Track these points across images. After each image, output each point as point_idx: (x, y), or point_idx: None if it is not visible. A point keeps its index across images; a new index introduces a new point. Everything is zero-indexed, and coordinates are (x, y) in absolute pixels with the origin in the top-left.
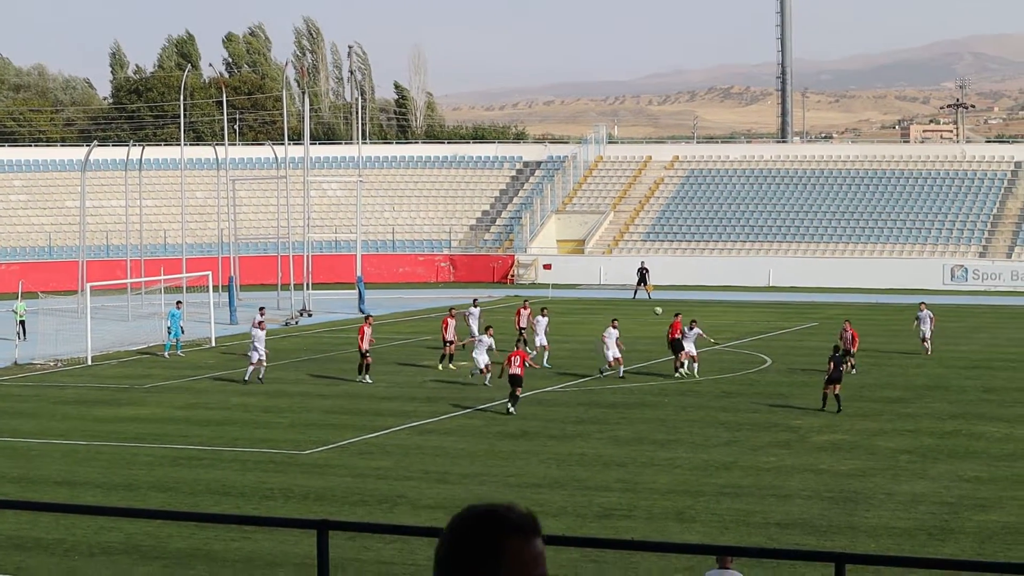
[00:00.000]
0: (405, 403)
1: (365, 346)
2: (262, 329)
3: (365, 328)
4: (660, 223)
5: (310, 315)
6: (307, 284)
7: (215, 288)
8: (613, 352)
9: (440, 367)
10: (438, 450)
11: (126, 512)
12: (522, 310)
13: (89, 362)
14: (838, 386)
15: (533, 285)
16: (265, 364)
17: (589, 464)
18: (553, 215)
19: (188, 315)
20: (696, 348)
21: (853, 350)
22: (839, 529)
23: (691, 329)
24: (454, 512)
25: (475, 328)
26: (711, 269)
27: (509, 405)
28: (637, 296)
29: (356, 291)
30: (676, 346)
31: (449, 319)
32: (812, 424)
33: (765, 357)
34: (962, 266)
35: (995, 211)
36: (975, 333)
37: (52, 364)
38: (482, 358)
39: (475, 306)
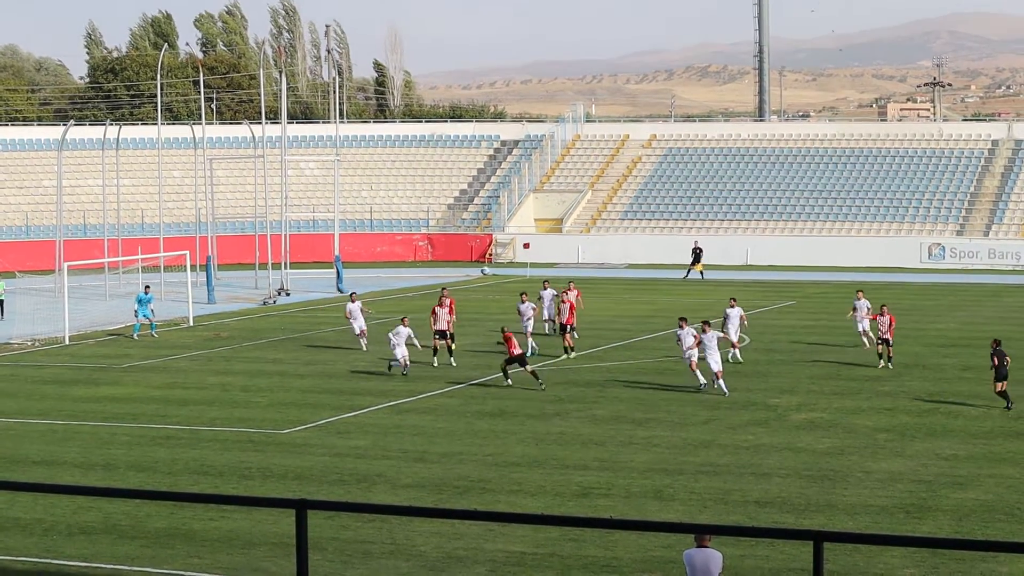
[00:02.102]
0: (383, 382)
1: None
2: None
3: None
4: (638, 202)
5: (288, 294)
6: (285, 263)
7: (193, 268)
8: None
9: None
10: (416, 429)
11: (105, 492)
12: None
13: (67, 342)
14: (1005, 383)
15: (511, 264)
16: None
17: (568, 443)
18: (531, 194)
19: (165, 294)
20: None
21: (890, 338)
22: (817, 507)
23: (732, 308)
24: (432, 491)
25: (547, 310)
26: (688, 247)
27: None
28: (689, 276)
29: (334, 270)
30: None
31: (438, 308)
32: (790, 403)
33: (744, 336)
34: (939, 244)
35: (972, 189)
36: (953, 311)
37: (29, 344)
38: (400, 351)
39: (545, 287)
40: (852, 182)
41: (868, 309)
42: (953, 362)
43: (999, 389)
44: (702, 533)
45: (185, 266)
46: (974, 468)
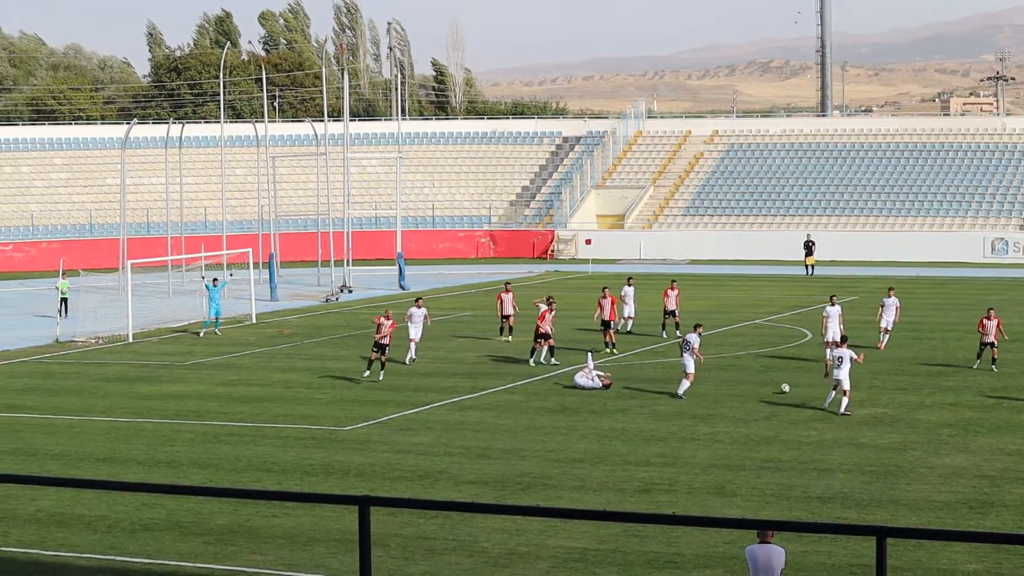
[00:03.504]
0: (445, 379)
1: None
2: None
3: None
4: (700, 198)
5: (350, 291)
6: (347, 260)
7: (255, 265)
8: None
9: (502, 338)
10: (478, 425)
11: (168, 489)
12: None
13: (130, 339)
14: None
15: (573, 260)
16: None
17: (629, 439)
18: (593, 190)
19: (229, 292)
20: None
21: (995, 341)
22: (880, 503)
23: (832, 306)
24: (495, 488)
25: (629, 306)
26: (751, 243)
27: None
28: (811, 271)
29: (396, 267)
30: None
31: (504, 294)
32: (853, 398)
33: (806, 331)
34: (1003, 239)
35: None
36: (1016, 306)
37: (93, 341)
38: (415, 330)
39: (629, 284)
40: (915, 177)
41: (897, 308)
42: (1017, 357)
43: None
44: (765, 529)
45: (248, 263)
46: None
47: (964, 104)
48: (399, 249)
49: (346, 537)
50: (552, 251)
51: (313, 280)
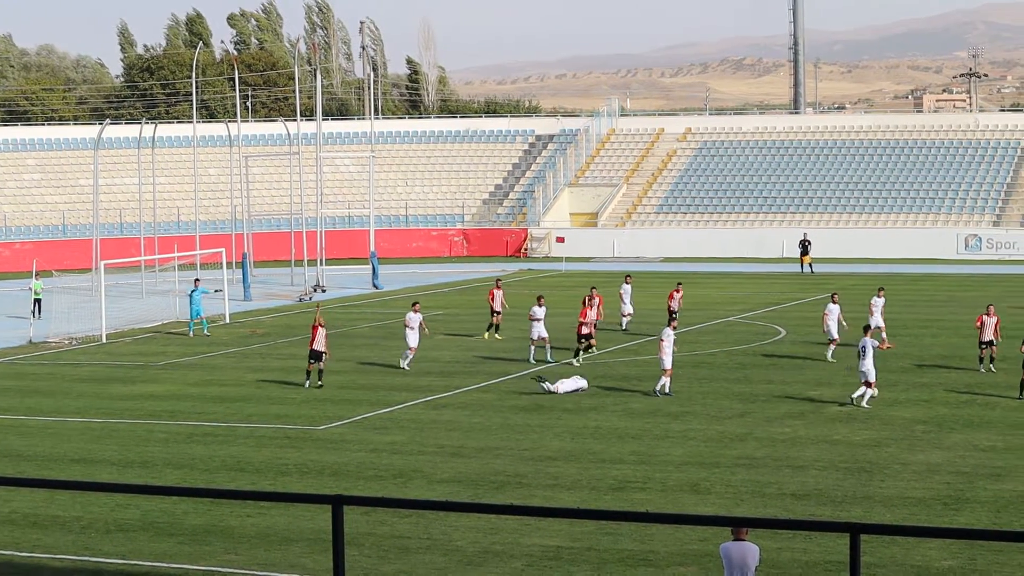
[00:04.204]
0: (419, 377)
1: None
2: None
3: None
4: (673, 195)
5: (324, 291)
6: (320, 260)
7: (229, 265)
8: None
9: (486, 336)
10: (452, 424)
11: (142, 489)
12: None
13: (103, 340)
14: None
15: (546, 259)
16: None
17: (603, 437)
18: (566, 188)
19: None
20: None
21: (995, 339)
22: (854, 499)
23: (833, 304)
24: (469, 486)
25: (627, 304)
26: (724, 241)
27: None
28: (808, 270)
29: (370, 266)
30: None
31: (495, 290)
32: (826, 395)
33: (779, 328)
34: (976, 235)
35: (1009, 180)
36: (991, 303)
37: (66, 342)
38: (413, 338)
39: (627, 282)
40: (888, 174)
41: (882, 309)
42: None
43: None
44: (739, 526)
45: (221, 263)
46: (1012, 459)
47: (937, 101)
48: (372, 248)
49: (320, 537)
50: (525, 249)
51: (286, 280)
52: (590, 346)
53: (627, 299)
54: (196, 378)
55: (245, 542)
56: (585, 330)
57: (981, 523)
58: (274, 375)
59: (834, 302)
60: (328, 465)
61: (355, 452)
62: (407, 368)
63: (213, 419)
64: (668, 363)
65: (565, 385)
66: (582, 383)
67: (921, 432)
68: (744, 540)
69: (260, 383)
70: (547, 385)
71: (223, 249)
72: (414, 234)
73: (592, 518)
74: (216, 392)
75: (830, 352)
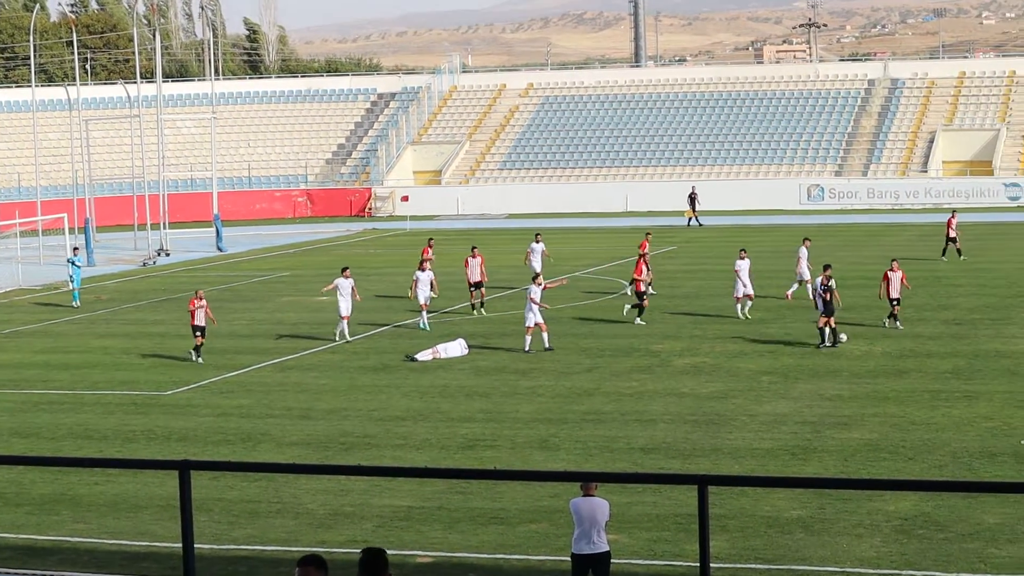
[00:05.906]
0: (266, 340)
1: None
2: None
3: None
4: (516, 151)
5: (167, 255)
6: (164, 224)
7: (71, 230)
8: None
9: (475, 313)
10: (300, 386)
11: None
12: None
13: None
14: (831, 319)
15: (391, 217)
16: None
17: (452, 395)
18: (409, 146)
19: (44, 258)
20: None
21: (900, 297)
22: (703, 452)
23: (742, 260)
24: (318, 449)
25: (536, 264)
26: (568, 196)
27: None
28: (692, 223)
29: (213, 229)
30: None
31: (471, 259)
32: (673, 348)
33: (624, 282)
34: (818, 185)
35: (850, 130)
36: (835, 252)
37: None
38: (344, 305)
39: (537, 241)
40: (730, 126)
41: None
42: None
43: (823, 324)
44: (588, 481)
45: (63, 229)
46: (858, 408)
47: (778, 52)
48: (216, 211)
49: (170, 504)
50: (370, 209)
51: (130, 244)
52: (641, 309)
53: (536, 258)
54: (40, 345)
55: (94, 510)
56: (640, 287)
57: (828, 472)
58: (119, 341)
59: (805, 246)
60: (176, 431)
61: (203, 417)
62: (347, 340)
63: (59, 387)
64: (538, 319)
65: (450, 350)
66: (465, 349)
67: (768, 383)
68: (594, 495)
69: (106, 349)
70: (420, 356)
71: (65, 215)
72: (257, 195)
73: (442, 477)
74: (61, 359)
75: (791, 292)
